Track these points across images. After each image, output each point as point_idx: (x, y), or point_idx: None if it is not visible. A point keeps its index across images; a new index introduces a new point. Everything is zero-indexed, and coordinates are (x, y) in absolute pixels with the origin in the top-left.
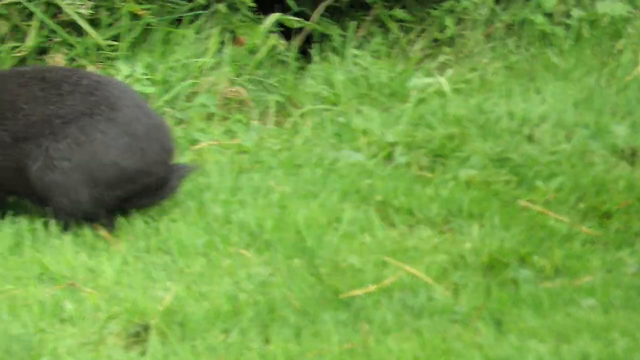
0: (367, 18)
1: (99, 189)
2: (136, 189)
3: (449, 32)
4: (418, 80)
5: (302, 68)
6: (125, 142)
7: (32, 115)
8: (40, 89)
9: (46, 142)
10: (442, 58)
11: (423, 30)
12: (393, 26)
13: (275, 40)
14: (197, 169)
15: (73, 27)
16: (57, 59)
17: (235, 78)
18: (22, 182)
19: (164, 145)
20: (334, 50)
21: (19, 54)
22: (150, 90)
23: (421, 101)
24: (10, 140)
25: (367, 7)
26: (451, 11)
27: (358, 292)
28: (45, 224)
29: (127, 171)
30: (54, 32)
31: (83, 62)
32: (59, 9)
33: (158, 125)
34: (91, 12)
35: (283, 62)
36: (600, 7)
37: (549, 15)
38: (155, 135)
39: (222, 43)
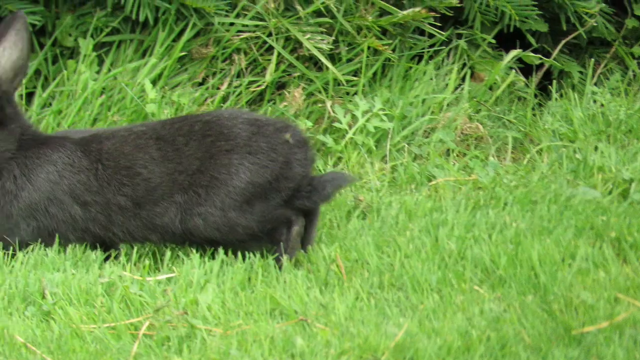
0: (607, 55)
1: (252, 210)
2: (286, 195)
3: None
4: None
5: (540, 104)
6: (251, 161)
7: (152, 178)
8: (157, 149)
9: (177, 197)
10: None
11: None
12: (632, 64)
13: (515, 76)
14: (353, 179)
15: (312, 61)
16: (296, 93)
17: (474, 114)
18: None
19: (292, 145)
20: (573, 87)
21: (257, 89)
22: (389, 125)
23: None
24: (132, 205)
25: (606, 44)
26: None
27: (590, 328)
28: (277, 260)
29: (266, 184)
30: (293, 66)
31: (321, 97)
32: (298, 44)
33: (281, 129)
34: (331, 47)
35: (521, 99)
36: None
37: None
38: (280, 139)
39: (462, 79)
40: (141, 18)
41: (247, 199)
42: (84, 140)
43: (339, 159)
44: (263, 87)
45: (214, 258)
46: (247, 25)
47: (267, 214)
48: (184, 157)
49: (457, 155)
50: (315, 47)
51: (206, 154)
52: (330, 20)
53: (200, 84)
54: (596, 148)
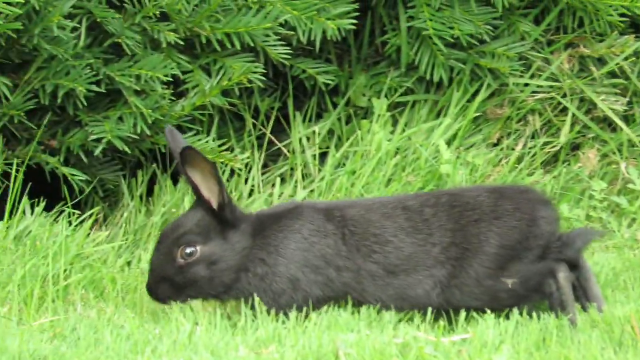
0: None
1: (508, 273)
2: (538, 252)
3: None
4: None
5: None
6: (498, 225)
7: (404, 247)
8: (405, 218)
9: (430, 269)
10: None
11: None
12: None
13: None
14: (602, 233)
15: (606, 122)
16: (590, 154)
17: None
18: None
19: (536, 204)
20: None
21: (551, 150)
22: None
23: None
24: (384, 273)
25: None
26: None
27: None
28: (571, 320)
29: (516, 244)
30: (587, 127)
31: (615, 158)
32: (592, 105)
33: (522, 191)
34: (625, 108)
35: None
36: None
37: None
38: (523, 198)
39: None
40: (435, 78)
41: (500, 264)
42: (323, 207)
43: (633, 220)
44: (557, 148)
45: (508, 318)
46: (541, 86)
47: (525, 272)
48: (434, 228)
49: None
50: (610, 108)
51: (456, 225)
52: (625, 82)
53: (495, 144)
54: None
